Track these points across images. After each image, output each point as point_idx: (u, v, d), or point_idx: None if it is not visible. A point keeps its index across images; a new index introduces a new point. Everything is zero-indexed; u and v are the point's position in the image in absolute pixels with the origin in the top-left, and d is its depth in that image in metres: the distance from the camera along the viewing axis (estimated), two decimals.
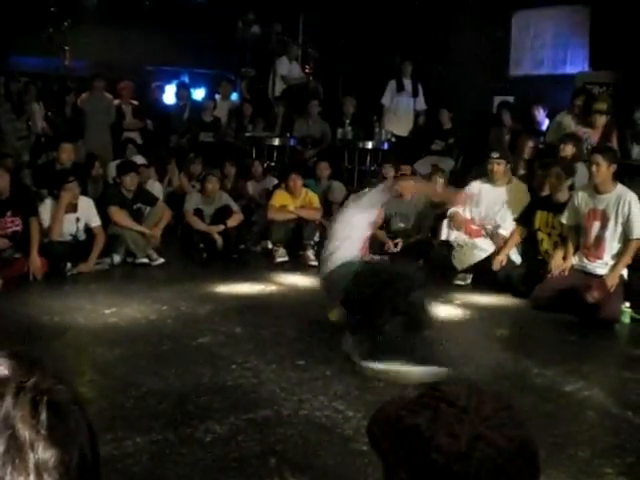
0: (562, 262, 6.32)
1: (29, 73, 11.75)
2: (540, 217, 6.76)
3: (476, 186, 7.26)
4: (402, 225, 8.09)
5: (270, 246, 8.19)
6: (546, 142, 8.78)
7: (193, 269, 7.52)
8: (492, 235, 7.07)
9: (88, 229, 7.25)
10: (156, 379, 4.16)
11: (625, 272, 6.06)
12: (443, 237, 7.18)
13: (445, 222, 7.21)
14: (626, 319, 5.92)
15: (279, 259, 7.93)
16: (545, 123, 9.32)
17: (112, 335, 5.04)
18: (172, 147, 10.65)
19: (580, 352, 5.19)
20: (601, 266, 6.09)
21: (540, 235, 6.77)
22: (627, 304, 5.94)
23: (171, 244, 8.11)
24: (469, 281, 7.10)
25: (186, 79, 13.44)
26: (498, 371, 4.65)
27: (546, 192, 7.00)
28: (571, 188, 6.70)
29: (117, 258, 7.44)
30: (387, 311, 4.52)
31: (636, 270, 6.20)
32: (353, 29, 11.75)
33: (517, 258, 6.88)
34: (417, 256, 7.88)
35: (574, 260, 6.28)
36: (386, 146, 10.43)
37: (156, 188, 8.76)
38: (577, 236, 6.33)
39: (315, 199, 8.43)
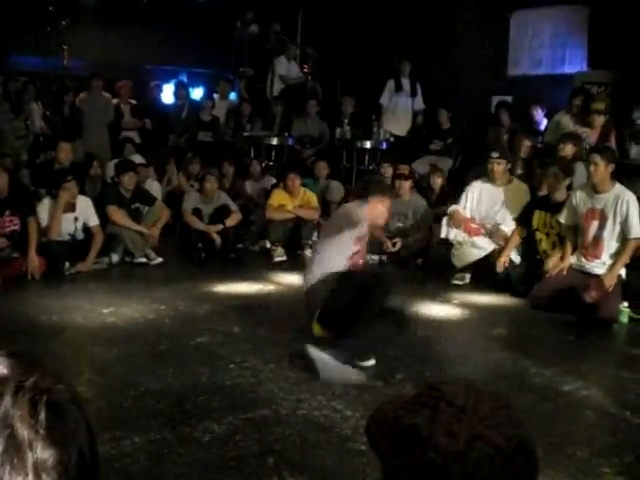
0: (558, 263, 6.33)
1: (27, 72, 11.74)
2: (538, 217, 6.76)
3: (477, 186, 7.26)
4: (400, 224, 8.09)
5: (268, 245, 8.20)
6: (544, 142, 8.79)
7: (191, 268, 7.52)
8: (493, 232, 7.05)
9: (86, 228, 7.25)
10: (154, 378, 4.16)
11: (623, 272, 6.06)
12: (442, 235, 7.16)
13: (445, 220, 7.20)
14: (624, 319, 5.93)
15: (277, 258, 7.93)
16: (543, 123, 9.32)
17: (110, 334, 5.04)
18: (170, 146, 10.65)
19: (578, 352, 5.20)
20: (599, 266, 6.09)
21: (538, 235, 6.77)
22: (625, 304, 5.94)
23: (169, 243, 8.11)
24: (467, 281, 7.10)
25: (184, 78, 13.44)
26: (496, 370, 4.65)
27: (544, 192, 7.01)
28: (569, 188, 6.70)
29: (115, 257, 7.44)
30: (363, 322, 4.50)
31: (634, 270, 6.21)
32: (352, 29, 11.74)
33: (516, 258, 6.88)
34: (415, 255, 7.90)
35: (572, 260, 6.29)
36: (384, 146, 10.43)
37: (155, 187, 8.76)
38: (575, 236, 6.33)
39: (313, 198, 8.43)
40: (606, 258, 6.08)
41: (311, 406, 3.85)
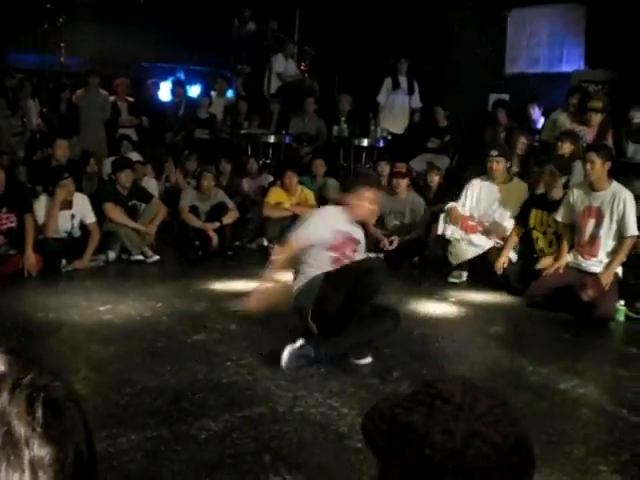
0: (551, 264, 6.33)
1: (24, 69, 11.72)
2: (535, 215, 6.76)
3: (476, 184, 7.26)
4: (397, 222, 8.09)
5: (265, 243, 8.19)
6: (541, 140, 8.80)
7: (188, 266, 7.51)
8: (492, 228, 7.03)
9: (83, 226, 7.25)
10: (151, 376, 4.15)
11: (620, 270, 6.07)
12: (439, 232, 7.13)
13: (442, 216, 7.19)
14: (621, 317, 5.93)
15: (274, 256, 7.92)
16: (540, 121, 9.32)
17: (107, 332, 5.04)
18: (167, 144, 10.64)
19: (575, 350, 5.20)
20: (596, 264, 6.09)
21: (535, 234, 6.77)
22: (622, 302, 5.95)
23: (166, 241, 8.10)
24: (464, 279, 7.10)
25: (182, 76, 13.41)
26: (493, 369, 4.66)
27: (541, 190, 7.01)
28: (566, 186, 6.70)
29: (112, 255, 7.44)
30: (357, 318, 4.49)
31: (631, 268, 6.22)
32: (349, 26, 11.74)
33: (514, 256, 6.89)
34: (412, 253, 7.90)
35: (569, 258, 6.29)
36: (382, 144, 10.44)
37: (152, 185, 8.75)
38: (572, 234, 6.34)
39: (311, 196, 8.44)
40: (603, 256, 6.08)
41: (308, 404, 3.85)
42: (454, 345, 5.20)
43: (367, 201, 4.82)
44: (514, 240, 6.86)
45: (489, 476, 1.00)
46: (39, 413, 0.79)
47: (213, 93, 11.84)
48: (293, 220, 8.07)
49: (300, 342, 4.37)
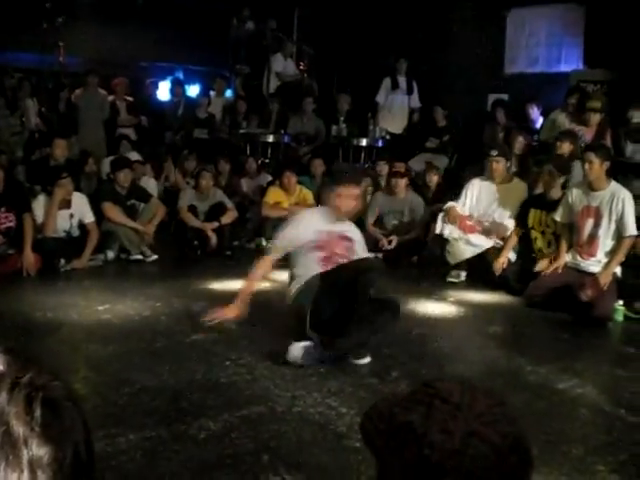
0: (549, 265, 6.33)
1: (23, 69, 11.74)
2: (534, 215, 6.76)
3: (476, 183, 7.25)
4: (396, 222, 8.09)
5: (264, 243, 8.18)
6: (540, 140, 8.80)
7: (187, 266, 7.51)
8: (493, 228, 7.02)
9: (82, 225, 7.25)
10: (150, 376, 4.15)
11: (618, 270, 6.07)
12: (437, 231, 7.11)
13: (440, 216, 7.18)
14: (619, 317, 5.93)
15: None
16: (539, 121, 9.33)
17: (106, 332, 5.03)
18: (166, 143, 10.65)
19: (573, 350, 5.20)
20: (594, 264, 6.09)
21: (534, 234, 6.77)
22: (620, 302, 5.95)
23: (165, 241, 8.10)
24: (463, 278, 7.10)
25: (180, 75, 13.42)
26: (491, 368, 4.65)
27: (540, 190, 7.01)
28: (564, 186, 6.70)
29: (111, 254, 7.44)
30: (356, 317, 4.48)
31: (629, 268, 6.22)
32: (348, 26, 11.74)
33: (513, 256, 6.88)
34: (411, 253, 7.90)
35: (567, 258, 6.29)
36: (380, 143, 10.44)
37: (151, 185, 8.75)
38: (570, 234, 6.34)
39: (309, 196, 8.44)
40: (601, 256, 6.08)
41: (306, 403, 3.85)
42: (453, 345, 5.20)
43: (346, 198, 4.85)
44: (514, 240, 6.85)
45: (488, 475, 1.00)
46: (38, 413, 0.79)
47: (212, 93, 11.85)
48: None
49: (306, 342, 4.40)
